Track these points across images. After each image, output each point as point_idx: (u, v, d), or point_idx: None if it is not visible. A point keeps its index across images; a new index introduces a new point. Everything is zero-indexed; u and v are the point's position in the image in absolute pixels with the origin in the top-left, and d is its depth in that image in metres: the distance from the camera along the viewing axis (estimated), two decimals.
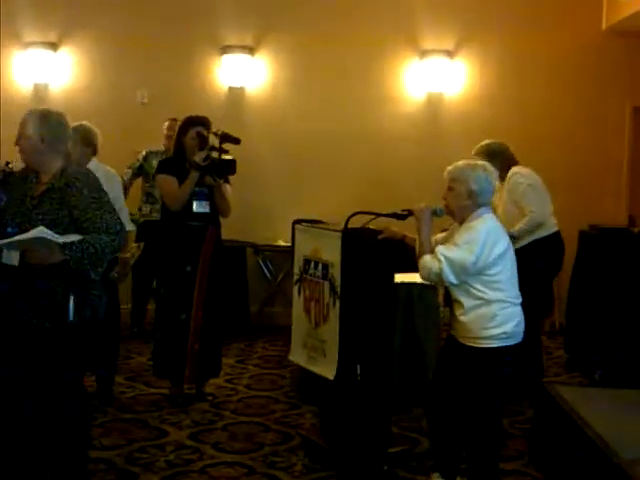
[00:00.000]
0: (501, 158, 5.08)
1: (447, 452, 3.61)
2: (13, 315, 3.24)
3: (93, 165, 4.57)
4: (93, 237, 3.16)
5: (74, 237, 3.15)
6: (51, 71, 7.42)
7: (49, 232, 3.09)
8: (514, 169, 5.18)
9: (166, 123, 6.63)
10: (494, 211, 3.63)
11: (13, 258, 3.18)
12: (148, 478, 3.84)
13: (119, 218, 3.32)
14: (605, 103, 7.39)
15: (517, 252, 3.59)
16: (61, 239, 3.11)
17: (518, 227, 5.00)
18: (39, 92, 7.39)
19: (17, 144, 3.34)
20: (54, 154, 3.30)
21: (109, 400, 4.94)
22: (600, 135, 7.39)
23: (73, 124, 4.69)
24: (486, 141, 5.19)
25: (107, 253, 3.22)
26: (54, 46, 7.39)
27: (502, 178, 5.02)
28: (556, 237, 5.19)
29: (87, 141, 4.74)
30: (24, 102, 6.80)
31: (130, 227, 4.85)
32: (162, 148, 6.63)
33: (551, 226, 5.18)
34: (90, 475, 3.64)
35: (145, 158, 6.70)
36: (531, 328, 3.85)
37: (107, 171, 4.81)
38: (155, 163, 6.02)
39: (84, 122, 4.81)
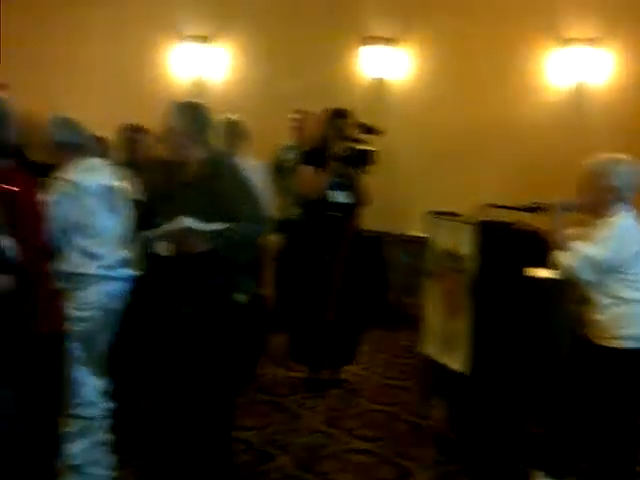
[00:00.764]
0: None
1: (564, 452, 3.50)
2: (168, 303, 3.39)
3: (241, 157, 4.77)
4: (238, 225, 3.25)
5: (219, 225, 3.25)
6: (207, 64, 7.77)
7: (194, 222, 3.22)
8: None
9: (293, 115, 6.56)
10: None
11: (162, 248, 3.33)
12: (283, 460, 3.99)
13: (262, 206, 3.44)
14: None
15: None
16: (207, 227, 3.23)
17: None
18: (195, 83, 7.72)
19: (162, 136, 3.49)
20: (197, 144, 3.38)
21: (250, 380, 5.12)
22: None
23: (223, 116, 4.98)
24: None
25: (252, 240, 3.39)
26: (208, 39, 7.73)
27: None
28: None
29: (236, 133, 4.94)
30: (181, 94, 7.15)
31: (273, 214, 5.02)
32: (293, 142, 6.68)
33: None
34: (233, 454, 3.81)
35: (282, 151, 6.80)
36: None
37: (252, 163, 4.99)
38: (290, 156, 6.11)
39: (234, 115, 5.02)
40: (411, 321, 6.50)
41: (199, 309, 3.31)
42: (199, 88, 7.68)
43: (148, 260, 3.51)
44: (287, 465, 3.93)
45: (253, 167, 4.98)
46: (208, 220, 3.26)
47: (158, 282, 3.42)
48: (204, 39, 7.73)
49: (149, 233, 3.38)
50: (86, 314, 3.37)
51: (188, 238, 3.24)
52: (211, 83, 7.81)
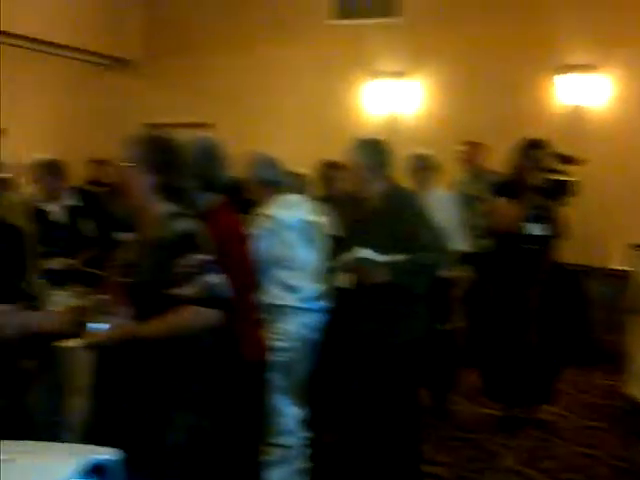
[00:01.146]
0: None
1: None
2: (352, 333, 3.51)
3: (431, 190, 4.88)
4: (416, 255, 3.32)
5: (398, 257, 3.32)
6: (400, 99, 7.88)
7: (370, 252, 3.33)
8: None
9: (461, 147, 6.59)
10: None
11: (343, 280, 3.53)
12: None
13: (442, 237, 3.49)
14: None
15: None
16: (385, 259, 3.32)
17: None
18: (390, 118, 7.86)
19: (345, 174, 3.76)
20: (376, 179, 3.52)
21: (443, 415, 5.08)
22: None
23: (416, 152, 5.10)
24: None
25: (431, 269, 3.43)
26: (402, 75, 7.85)
27: None
28: None
29: (426, 167, 5.08)
30: (374, 130, 7.29)
31: (461, 246, 5.00)
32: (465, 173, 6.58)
33: None
34: None
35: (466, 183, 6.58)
36: None
37: (440, 194, 5.04)
38: (475, 187, 6.04)
39: (424, 149, 5.13)
40: (611, 360, 6.22)
41: (383, 333, 3.41)
42: (392, 123, 7.79)
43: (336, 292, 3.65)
44: None
45: (441, 199, 5.02)
46: (388, 252, 3.34)
47: (341, 314, 3.55)
48: (399, 74, 7.85)
49: (331, 264, 3.56)
50: (286, 344, 3.50)
51: (365, 269, 3.34)
52: (403, 118, 7.90)
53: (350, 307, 3.51)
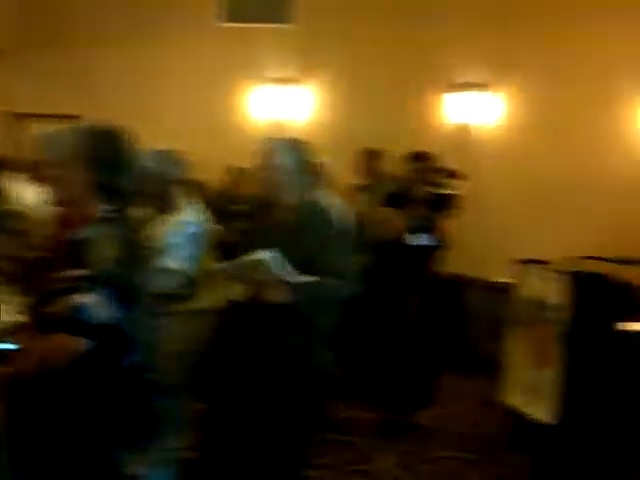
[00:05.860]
0: None
1: None
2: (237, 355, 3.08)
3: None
4: (327, 280, 2.90)
5: (306, 278, 2.88)
6: (291, 106, 7.90)
7: (274, 259, 2.84)
8: None
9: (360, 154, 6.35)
10: None
11: (236, 292, 3.02)
12: None
13: (353, 262, 3.07)
14: None
15: None
16: (289, 277, 2.86)
17: None
18: (278, 125, 7.87)
19: (260, 174, 3.16)
20: (294, 186, 3.09)
21: (323, 420, 5.09)
22: None
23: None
24: None
25: (339, 299, 2.98)
26: (290, 82, 7.85)
27: None
28: None
29: (317, 175, 5.01)
30: (264, 134, 7.27)
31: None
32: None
33: None
34: None
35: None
36: None
37: (334, 204, 5.05)
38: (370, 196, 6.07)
39: (315, 157, 5.11)
40: (490, 368, 6.45)
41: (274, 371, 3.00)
42: (279, 130, 7.78)
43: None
44: None
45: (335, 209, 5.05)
46: (292, 270, 2.90)
47: (229, 327, 3.14)
48: (287, 81, 7.87)
49: (225, 265, 3.09)
50: (176, 348, 3.41)
51: (265, 280, 2.87)
52: (291, 125, 7.92)
53: (239, 323, 3.08)
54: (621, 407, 3.89)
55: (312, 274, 2.90)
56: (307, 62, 7.82)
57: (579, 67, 7.19)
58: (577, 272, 3.64)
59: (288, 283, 2.86)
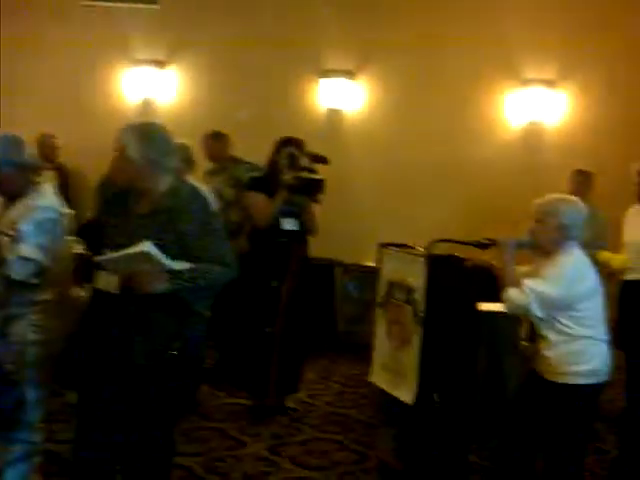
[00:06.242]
0: None
1: None
2: (109, 346, 2.95)
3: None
4: (205, 266, 2.85)
5: (183, 265, 2.84)
6: (158, 88, 7.76)
7: (156, 250, 2.76)
8: None
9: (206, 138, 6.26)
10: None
11: (111, 283, 2.91)
12: None
13: (231, 247, 3.03)
14: None
15: None
16: (170, 265, 2.80)
17: None
18: (145, 107, 7.70)
19: (116, 164, 3.02)
20: (161, 172, 2.95)
21: (193, 407, 5.06)
22: None
23: (179, 142, 4.96)
24: None
25: (218, 286, 2.92)
26: (162, 64, 7.73)
27: None
28: None
29: (187, 159, 4.92)
30: (132, 116, 7.11)
31: None
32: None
33: None
34: None
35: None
36: None
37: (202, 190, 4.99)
38: (218, 181, 5.98)
39: (183, 140, 5.01)
40: (360, 351, 6.57)
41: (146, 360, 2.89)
42: (148, 111, 7.63)
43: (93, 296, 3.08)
44: None
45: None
46: (171, 258, 2.83)
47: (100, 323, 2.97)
48: (156, 63, 7.71)
49: (106, 257, 2.91)
50: (41, 337, 3.31)
51: (144, 271, 2.78)
52: (161, 107, 7.77)
53: (110, 315, 2.94)
54: (477, 385, 4.03)
55: (190, 261, 2.86)
56: (174, 44, 7.68)
57: (445, 56, 7.36)
58: (434, 255, 3.72)
59: (167, 272, 2.80)
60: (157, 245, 2.78)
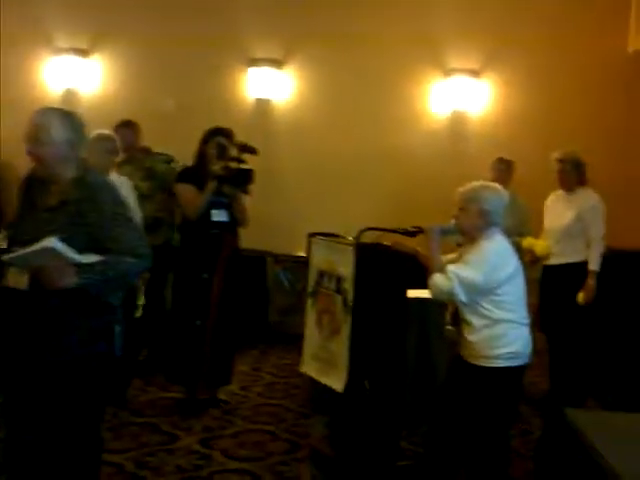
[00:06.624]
0: (581, 171, 5.30)
1: (439, 470, 3.62)
2: (20, 345, 2.88)
3: (112, 174, 4.77)
4: (116, 258, 2.80)
5: (93, 258, 2.78)
6: (81, 77, 7.59)
7: (62, 245, 2.70)
8: (592, 191, 5.31)
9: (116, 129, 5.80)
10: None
11: (20, 281, 2.82)
12: None
13: (144, 238, 2.99)
14: (629, 126, 7.35)
15: None
16: (78, 259, 2.74)
17: (596, 257, 5.17)
18: (68, 97, 7.53)
19: (31, 150, 2.88)
20: (73, 159, 2.90)
21: (122, 403, 5.01)
22: (623, 157, 7.34)
23: (99, 132, 4.90)
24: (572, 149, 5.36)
25: (131, 277, 2.91)
26: (85, 53, 7.57)
27: (569, 189, 5.29)
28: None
29: (108, 149, 4.86)
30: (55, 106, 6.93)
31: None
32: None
33: None
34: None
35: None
36: None
37: (121, 180, 4.94)
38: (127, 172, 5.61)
39: (108, 132, 4.95)
40: (292, 341, 6.59)
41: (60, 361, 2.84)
42: (72, 101, 7.45)
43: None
44: None
45: (122, 184, 4.94)
46: (80, 251, 2.76)
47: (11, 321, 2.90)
48: (82, 52, 7.54)
49: (11, 256, 2.78)
50: None
51: (51, 266, 2.70)
52: (85, 97, 7.61)
53: (19, 312, 2.87)
54: (406, 371, 4.09)
55: (101, 253, 2.80)
56: (99, 32, 7.52)
57: (371, 46, 7.39)
58: (362, 243, 3.75)
59: (76, 266, 2.74)
60: (66, 238, 2.72)
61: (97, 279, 2.76)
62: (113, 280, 2.81)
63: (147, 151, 5.96)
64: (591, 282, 5.12)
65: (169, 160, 5.95)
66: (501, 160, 5.83)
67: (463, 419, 3.48)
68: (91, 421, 3.04)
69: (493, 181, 4.58)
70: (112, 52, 7.60)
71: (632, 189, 7.26)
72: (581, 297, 5.12)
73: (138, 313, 5.69)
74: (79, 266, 2.74)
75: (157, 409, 5.04)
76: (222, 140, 4.99)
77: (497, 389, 3.40)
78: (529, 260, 5.37)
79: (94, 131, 4.94)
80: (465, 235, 3.51)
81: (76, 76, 7.57)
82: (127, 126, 5.82)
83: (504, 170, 5.78)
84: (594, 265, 5.15)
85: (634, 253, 5.81)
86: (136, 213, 4.91)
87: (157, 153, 5.96)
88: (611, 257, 5.48)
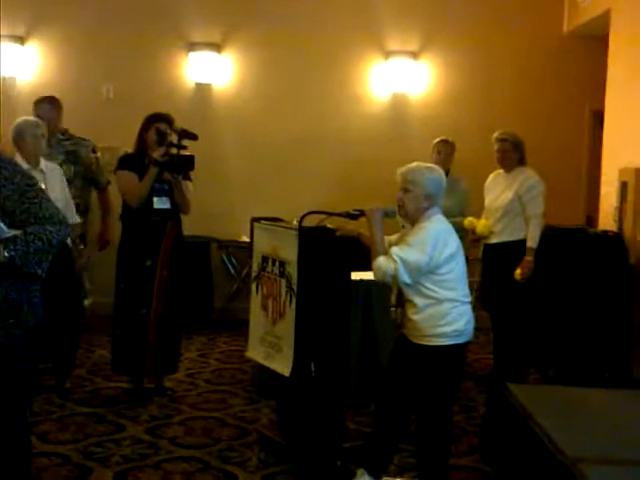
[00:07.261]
0: (521, 150, 5.39)
1: (385, 449, 3.67)
2: None
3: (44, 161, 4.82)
4: (37, 228, 2.80)
5: (14, 231, 2.78)
6: (18, 64, 7.42)
7: None
8: (531, 171, 5.39)
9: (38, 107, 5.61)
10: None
11: None
12: (102, 473, 3.85)
13: (58, 207, 2.98)
14: (566, 106, 7.49)
15: None
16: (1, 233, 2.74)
17: (534, 235, 5.25)
18: (5, 85, 7.34)
19: None
20: None
21: (65, 394, 4.95)
22: (560, 136, 7.50)
23: (26, 119, 4.84)
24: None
25: (54, 245, 2.86)
26: (21, 40, 7.39)
27: (509, 169, 5.37)
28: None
29: (43, 135, 4.83)
30: None
31: (77, 219, 5.02)
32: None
33: None
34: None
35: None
36: None
37: (52, 167, 4.90)
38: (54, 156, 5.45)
39: (34, 117, 4.92)
40: (238, 326, 6.58)
41: None
42: (8, 88, 7.28)
43: None
44: (107, 478, 3.80)
45: (54, 171, 4.88)
46: None
47: None
48: (18, 39, 7.37)
49: None
50: None
51: None
52: (23, 85, 7.43)
53: None
54: (351, 353, 4.12)
55: (18, 226, 2.78)
56: (36, 18, 7.37)
57: (310, 28, 7.41)
58: (305, 227, 3.75)
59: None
60: None
61: (24, 250, 2.74)
62: (39, 250, 2.79)
63: (70, 136, 5.71)
64: (528, 259, 5.22)
65: (94, 149, 5.79)
66: (443, 141, 5.88)
67: (408, 397, 3.53)
68: (15, 405, 2.95)
69: (435, 162, 4.63)
70: (49, 39, 7.44)
71: (568, 168, 7.45)
72: (518, 273, 5.21)
73: (87, 302, 5.66)
74: (2, 241, 2.72)
75: (103, 400, 4.99)
76: (162, 126, 4.93)
77: (442, 367, 3.44)
78: (471, 239, 5.45)
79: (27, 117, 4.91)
80: (407, 217, 3.53)
81: (13, 64, 7.38)
82: (47, 102, 5.59)
83: (446, 151, 5.84)
84: (532, 242, 5.24)
85: (573, 230, 5.93)
86: (68, 200, 4.91)
87: (81, 138, 5.76)
88: (551, 235, 5.61)
